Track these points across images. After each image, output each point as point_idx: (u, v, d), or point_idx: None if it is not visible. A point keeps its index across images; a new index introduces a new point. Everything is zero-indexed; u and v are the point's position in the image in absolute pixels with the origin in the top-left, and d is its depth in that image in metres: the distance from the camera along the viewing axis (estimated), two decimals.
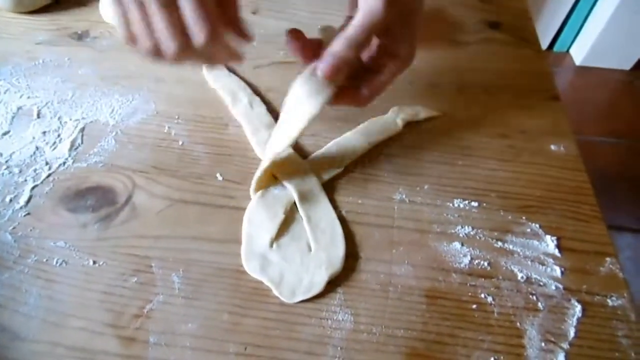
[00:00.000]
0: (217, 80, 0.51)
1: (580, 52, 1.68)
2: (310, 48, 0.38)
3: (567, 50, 1.75)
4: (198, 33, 0.32)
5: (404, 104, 0.50)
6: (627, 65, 1.68)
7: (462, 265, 0.38)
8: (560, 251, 0.40)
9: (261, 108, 0.49)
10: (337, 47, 0.36)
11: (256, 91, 0.51)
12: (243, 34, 0.37)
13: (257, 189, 0.41)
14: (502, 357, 0.34)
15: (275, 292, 0.36)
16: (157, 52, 0.33)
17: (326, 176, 0.43)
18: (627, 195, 1.34)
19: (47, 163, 0.43)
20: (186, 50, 0.33)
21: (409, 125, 0.48)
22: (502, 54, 0.58)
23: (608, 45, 1.60)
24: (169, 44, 0.32)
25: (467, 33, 0.61)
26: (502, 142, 0.48)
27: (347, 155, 0.45)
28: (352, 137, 0.46)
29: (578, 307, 0.36)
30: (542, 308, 0.36)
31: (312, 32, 0.39)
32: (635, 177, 1.38)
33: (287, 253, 0.38)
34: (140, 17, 0.32)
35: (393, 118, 0.48)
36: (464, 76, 0.55)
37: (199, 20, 0.32)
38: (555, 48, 1.75)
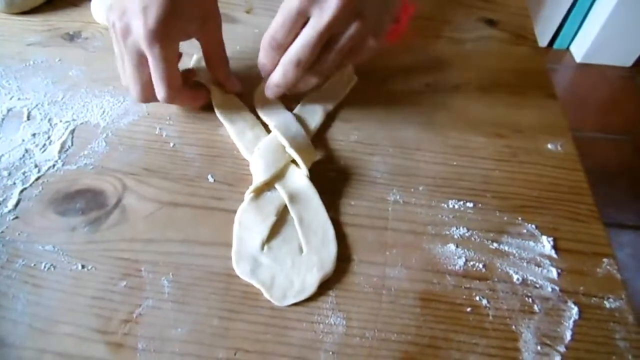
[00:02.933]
0: (208, 81, 0.50)
1: (580, 49, 1.67)
2: None
3: (567, 48, 1.74)
4: (159, 92, 0.41)
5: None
6: (628, 62, 1.68)
7: (456, 267, 0.38)
8: (556, 252, 0.39)
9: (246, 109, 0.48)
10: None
11: None
12: (230, 89, 0.48)
13: (254, 194, 0.41)
14: None
15: (266, 295, 0.35)
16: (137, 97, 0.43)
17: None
18: (628, 192, 1.33)
19: (36, 166, 0.43)
20: (153, 99, 0.43)
21: (405, 123, 0.48)
22: (499, 51, 0.58)
23: (608, 42, 1.59)
24: (137, 95, 0.43)
25: (463, 31, 0.60)
26: (498, 142, 0.47)
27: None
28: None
29: (575, 310, 0.36)
30: (538, 310, 0.36)
31: None
32: (636, 173, 1.38)
33: (279, 255, 0.38)
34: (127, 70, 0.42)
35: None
36: (459, 74, 0.54)
37: (160, 82, 0.41)
38: (556, 45, 1.74)
